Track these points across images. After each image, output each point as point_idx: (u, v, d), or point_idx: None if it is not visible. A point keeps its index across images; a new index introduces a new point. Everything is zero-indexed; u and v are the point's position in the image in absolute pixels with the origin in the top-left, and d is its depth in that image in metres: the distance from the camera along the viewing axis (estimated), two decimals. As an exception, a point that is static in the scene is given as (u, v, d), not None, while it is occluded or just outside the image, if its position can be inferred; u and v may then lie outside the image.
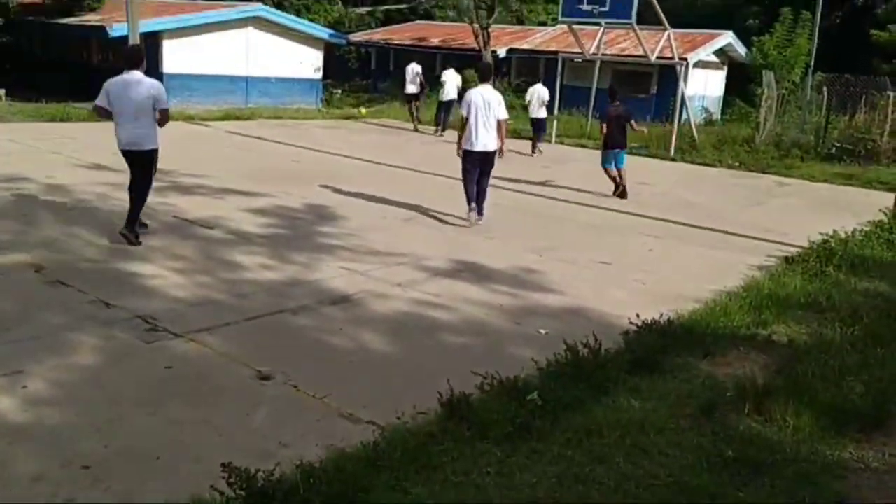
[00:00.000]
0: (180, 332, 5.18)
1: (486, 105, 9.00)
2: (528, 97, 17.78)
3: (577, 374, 4.54)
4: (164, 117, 7.42)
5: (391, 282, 6.70)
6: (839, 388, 4.61)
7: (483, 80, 9.42)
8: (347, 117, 22.84)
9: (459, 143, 9.30)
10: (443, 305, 6.18)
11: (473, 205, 9.21)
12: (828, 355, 5.10)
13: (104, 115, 7.37)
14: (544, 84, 18.07)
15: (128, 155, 7.47)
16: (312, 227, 8.68)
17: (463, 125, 9.19)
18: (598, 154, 17.61)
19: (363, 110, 23.87)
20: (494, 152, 9.17)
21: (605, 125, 11.91)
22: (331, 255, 7.47)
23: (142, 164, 7.51)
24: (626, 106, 12.17)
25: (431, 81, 23.86)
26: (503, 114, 9.13)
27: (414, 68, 20.81)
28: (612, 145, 11.88)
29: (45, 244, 7.16)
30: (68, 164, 11.41)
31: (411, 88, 20.79)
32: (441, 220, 9.41)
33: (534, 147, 17.19)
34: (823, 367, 4.85)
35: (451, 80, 20.22)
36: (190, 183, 10.60)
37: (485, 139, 9.04)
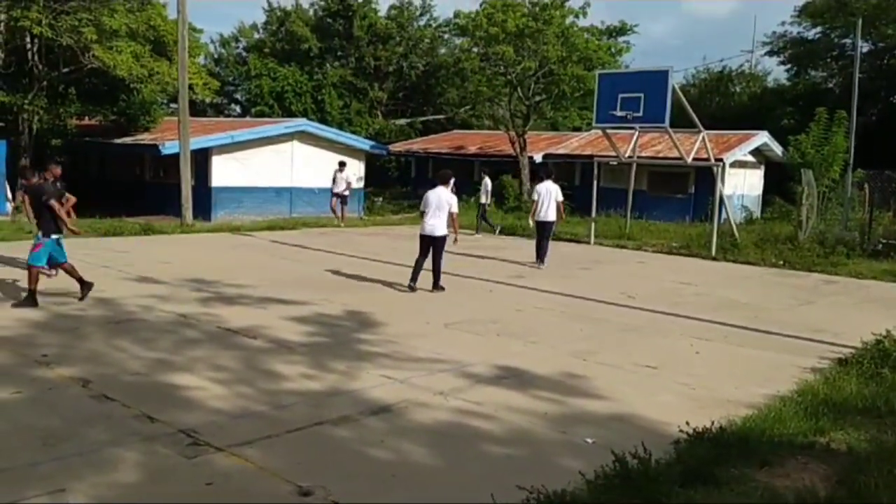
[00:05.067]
0: (221, 445, 5.14)
1: (548, 193, 14.79)
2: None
3: (627, 488, 4.37)
4: (451, 217, 11.48)
5: (433, 390, 6.62)
6: (906, 499, 4.36)
7: (547, 177, 15.13)
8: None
9: (532, 216, 15.14)
10: (486, 414, 6.06)
11: (537, 260, 14.80)
12: (890, 464, 4.84)
13: (422, 215, 11.64)
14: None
15: (425, 238, 11.48)
16: (353, 334, 8.70)
17: (532, 204, 15.34)
18: (636, 254, 17.80)
19: None
20: (553, 222, 14.93)
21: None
22: (371, 362, 7.44)
23: (436, 244, 11.39)
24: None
25: (469, 187, 24.44)
26: (560, 198, 14.90)
27: (344, 174, 23.23)
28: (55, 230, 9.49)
29: (91, 358, 7.27)
30: (117, 278, 11.72)
31: (340, 189, 22.97)
32: (483, 323, 9.38)
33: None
34: (887, 477, 4.61)
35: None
36: (233, 293, 10.77)
37: (546, 213, 14.78)
